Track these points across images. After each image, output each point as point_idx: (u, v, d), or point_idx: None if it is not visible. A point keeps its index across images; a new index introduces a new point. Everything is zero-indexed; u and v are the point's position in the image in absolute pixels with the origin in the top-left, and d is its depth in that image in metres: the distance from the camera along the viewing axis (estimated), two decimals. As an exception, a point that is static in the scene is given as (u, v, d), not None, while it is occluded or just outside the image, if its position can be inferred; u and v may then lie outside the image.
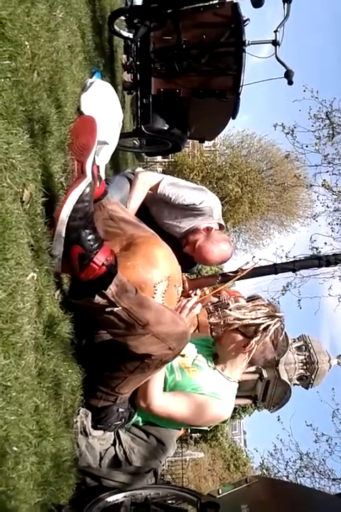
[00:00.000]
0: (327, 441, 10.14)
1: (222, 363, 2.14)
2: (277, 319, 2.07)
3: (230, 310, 2.10)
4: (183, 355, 2.09)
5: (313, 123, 9.68)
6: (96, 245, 1.57)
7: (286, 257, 8.69)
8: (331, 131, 9.51)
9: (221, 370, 2.13)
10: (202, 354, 2.18)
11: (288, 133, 9.90)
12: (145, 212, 2.67)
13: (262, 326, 2.05)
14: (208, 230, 2.62)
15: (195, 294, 2.17)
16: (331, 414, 10.05)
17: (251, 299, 2.20)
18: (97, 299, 1.56)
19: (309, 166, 10.35)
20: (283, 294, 9.10)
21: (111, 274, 1.57)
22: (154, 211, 2.71)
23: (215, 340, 2.21)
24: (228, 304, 2.10)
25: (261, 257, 2.82)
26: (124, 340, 1.62)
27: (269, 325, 2.05)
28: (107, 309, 1.58)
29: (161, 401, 1.95)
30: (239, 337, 2.08)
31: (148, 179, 2.66)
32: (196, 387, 2.01)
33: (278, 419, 10.53)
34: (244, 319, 2.07)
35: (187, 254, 2.67)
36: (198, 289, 2.22)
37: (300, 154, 10.23)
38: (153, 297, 1.73)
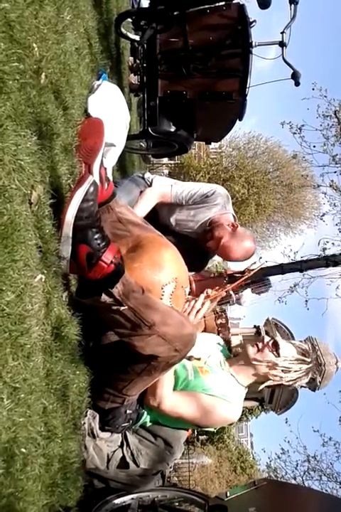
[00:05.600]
0: (334, 445, 10.08)
1: (238, 368, 2.15)
2: (311, 376, 2.20)
3: (278, 365, 2.15)
4: (199, 358, 2.09)
5: (322, 122, 9.64)
6: (103, 244, 1.57)
7: (294, 254, 8.65)
8: (339, 131, 9.46)
9: (234, 374, 2.13)
10: (215, 355, 2.18)
11: (295, 133, 9.87)
12: (153, 214, 2.70)
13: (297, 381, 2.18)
14: (233, 226, 2.66)
15: (205, 293, 2.17)
16: (339, 419, 9.99)
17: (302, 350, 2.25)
18: (104, 297, 1.57)
19: (316, 167, 10.30)
20: (289, 294, 9.06)
21: (119, 273, 1.58)
22: (165, 211, 2.75)
23: (244, 352, 2.22)
24: (277, 343, 2.14)
25: (268, 259, 2.84)
26: (130, 341, 1.62)
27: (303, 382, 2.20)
28: (114, 308, 1.58)
29: (171, 400, 1.95)
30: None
31: (157, 194, 2.72)
32: (207, 388, 2.01)
33: (286, 421, 10.48)
34: (287, 374, 2.15)
35: (210, 248, 2.75)
36: (205, 290, 2.22)
37: (308, 154, 10.17)
38: (161, 299, 1.73)
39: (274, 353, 2.13)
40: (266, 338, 2.17)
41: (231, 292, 2.55)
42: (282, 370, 2.13)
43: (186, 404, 1.98)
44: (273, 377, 2.13)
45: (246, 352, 2.17)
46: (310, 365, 2.18)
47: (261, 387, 2.17)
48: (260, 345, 2.14)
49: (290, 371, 2.14)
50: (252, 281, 2.82)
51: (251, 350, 2.15)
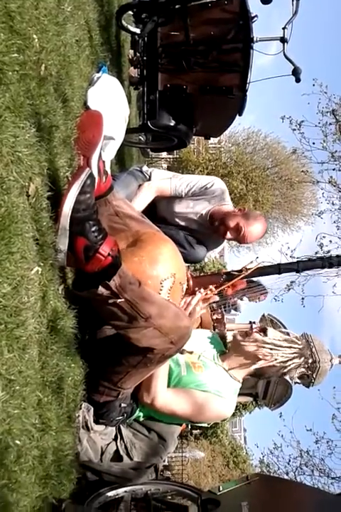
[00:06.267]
0: (327, 442, 10.13)
1: (230, 361, 2.15)
2: (304, 359, 2.20)
3: (266, 343, 2.15)
4: (191, 352, 2.09)
5: (321, 119, 9.65)
6: (100, 236, 1.57)
7: (292, 254, 8.68)
8: (338, 129, 9.46)
9: (227, 368, 2.13)
10: (209, 350, 2.18)
11: (294, 129, 9.86)
12: (151, 206, 2.71)
13: (287, 361, 2.17)
14: (240, 210, 2.76)
15: (200, 292, 2.17)
16: (331, 417, 10.02)
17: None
18: (101, 290, 1.57)
19: (315, 163, 10.29)
20: (286, 292, 9.09)
21: (116, 266, 1.58)
22: (164, 204, 2.76)
23: (233, 339, 2.24)
24: (265, 328, 2.16)
25: (265, 258, 2.90)
26: (127, 333, 1.63)
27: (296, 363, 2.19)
28: (110, 301, 1.58)
29: (165, 397, 1.95)
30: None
31: (156, 188, 2.74)
32: (200, 384, 2.02)
33: (280, 416, 10.51)
34: (276, 353, 2.15)
35: (229, 239, 2.87)
36: (202, 288, 2.23)
37: (307, 150, 10.16)
38: (159, 293, 1.73)
39: (261, 334, 2.16)
40: (254, 326, 2.20)
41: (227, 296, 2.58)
42: (271, 349, 2.13)
43: (179, 401, 1.98)
44: (263, 356, 2.13)
45: (235, 339, 2.20)
46: (301, 346, 2.19)
47: (253, 367, 2.15)
48: (248, 331, 2.18)
49: (279, 349, 2.14)
50: (249, 287, 2.86)
51: (239, 335, 2.19)
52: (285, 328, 2.81)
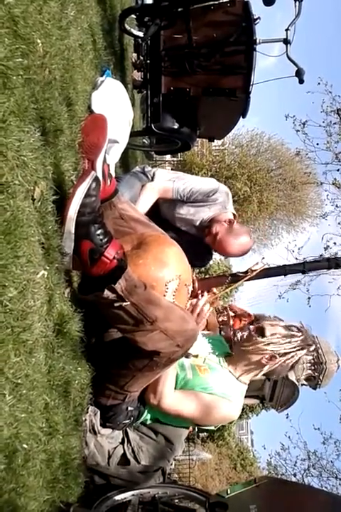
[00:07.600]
0: (335, 443, 10.10)
1: (235, 364, 2.14)
2: (306, 350, 2.15)
3: (265, 336, 2.12)
4: (196, 356, 2.09)
5: (325, 119, 9.64)
6: (105, 239, 1.57)
7: (299, 249, 8.67)
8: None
9: (233, 371, 2.12)
10: (214, 353, 2.18)
11: (298, 130, 9.86)
12: (154, 208, 2.71)
13: (292, 356, 2.12)
14: (230, 222, 2.70)
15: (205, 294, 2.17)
16: (339, 418, 9.99)
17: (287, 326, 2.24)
18: (106, 293, 1.56)
19: (319, 164, 10.29)
20: (291, 290, 9.09)
21: (122, 269, 1.57)
22: (166, 206, 2.76)
23: (236, 342, 2.22)
24: (263, 328, 2.13)
25: (271, 260, 2.87)
26: (133, 336, 1.62)
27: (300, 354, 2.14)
28: (116, 304, 1.58)
29: (171, 399, 1.95)
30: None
31: (158, 189, 2.72)
32: (206, 387, 2.01)
33: (287, 417, 10.50)
34: (277, 350, 2.11)
35: (208, 244, 2.78)
36: (208, 289, 2.22)
37: (311, 151, 10.16)
38: (164, 296, 1.72)
39: (259, 335, 2.13)
40: (251, 327, 2.18)
41: (234, 329, 2.57)
42: (272, 349, 2.10)
43: (186, 403, 1.98)
44: (267, 361, 2.10)
45: (236, 344, 2.20)
46: (302, 337, 2.15)
47: (261, 373, 2.14)
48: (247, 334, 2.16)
49: (279, 347, 2.11)
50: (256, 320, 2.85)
51: (240, 339, 2.19)
52: (280, 319, 2.76)
